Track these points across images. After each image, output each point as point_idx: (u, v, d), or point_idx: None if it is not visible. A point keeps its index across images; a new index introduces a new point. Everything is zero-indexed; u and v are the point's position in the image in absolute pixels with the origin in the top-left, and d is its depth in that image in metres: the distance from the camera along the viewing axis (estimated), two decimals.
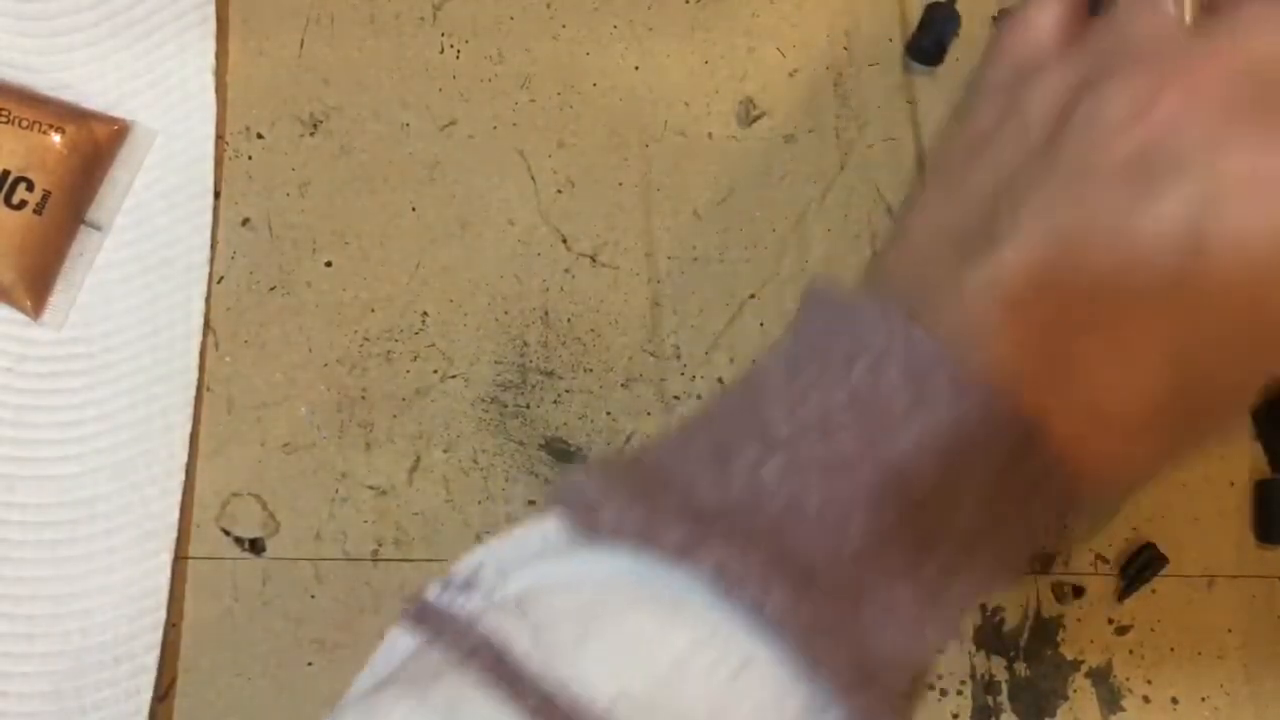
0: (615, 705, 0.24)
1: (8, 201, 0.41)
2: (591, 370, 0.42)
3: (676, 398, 0.42)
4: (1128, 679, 0.41)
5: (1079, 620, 0.41)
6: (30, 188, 0.42)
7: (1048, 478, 0.27)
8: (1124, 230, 0.26)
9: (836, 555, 0.26)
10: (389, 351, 0.42)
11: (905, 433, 0.27)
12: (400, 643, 0.28)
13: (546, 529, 0.28)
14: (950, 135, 0.32)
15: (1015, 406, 0.27)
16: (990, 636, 0.41)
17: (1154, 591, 0.41)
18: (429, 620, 0.27)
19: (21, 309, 0.42)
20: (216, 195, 0.43)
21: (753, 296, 0.43)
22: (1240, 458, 0.42)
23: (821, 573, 0.26)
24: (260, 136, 0.44)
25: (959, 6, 0.45)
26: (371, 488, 0.42)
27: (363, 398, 0.42)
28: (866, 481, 0.27)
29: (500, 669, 0.25)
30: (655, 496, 0.27)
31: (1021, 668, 0.40)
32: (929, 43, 0.44)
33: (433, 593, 0.28)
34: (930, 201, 0.31)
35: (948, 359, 0.27)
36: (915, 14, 0.46)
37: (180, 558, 0.41)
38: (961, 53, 0.45)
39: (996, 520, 0.27)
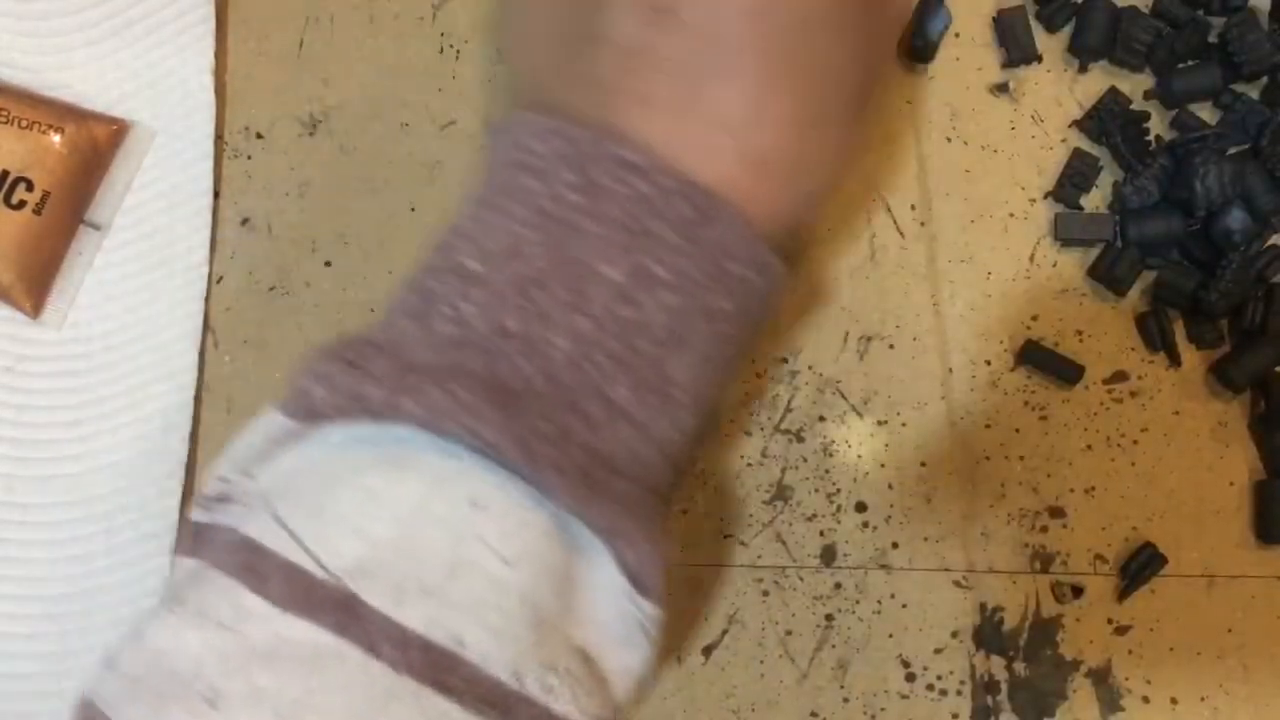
0: (359, 564, 0.25)
1: (7, 201, 0.41)
2: None
3: None
4: (1127, 679, 0.41)
5: (1078, 620, 0.41)
6: (30, 188, 0.42)
7: (731, 233, 0.28)
8: None
9: (549, 369, 0.27)
10: None
11: (587, 227, 0.27)
12: (181, 566, 0.28)
13: (270, 422, 0.28)
14: None
15: (676, 168, 0.27)
16: (990, 636, 0.41)
17: (1153, 591, 0.41)
18: (198, 540, 0.28)
19: (21, 309, 0.42)
20: (216, 195, 0.43)
21: None
22: (1240, 458, 0.42)
23: (538, 390, 0.26)
24: (260, 136, 0.44)
25: (958, 6, 0.45)
26: None
27: None
28: (561, 287, 0.27)
29: (249, 561, 0.25)
30: (365, 363, 0.27)
31: (1021, 668, 0.41)
32: (917, 40, 0.44)
33: (198, 513, 0.28)
34: (516, 18, 0.33)
35: (608, 143, 0.27)
36: None
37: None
38: (962, 51, 0.45)
39: (697, 291, 0.28)
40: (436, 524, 0.25)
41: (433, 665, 0.24)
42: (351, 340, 0.28)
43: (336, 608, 0.24)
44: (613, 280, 0.27)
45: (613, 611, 0.27)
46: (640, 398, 0.27)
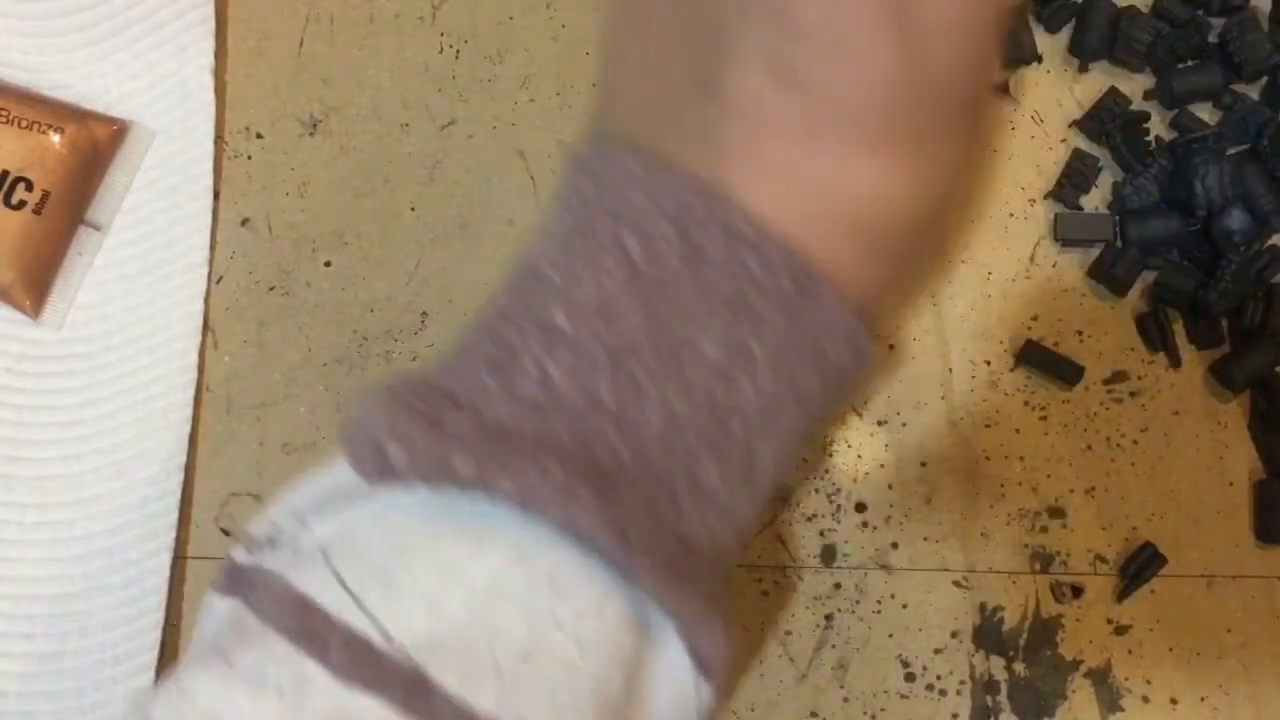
0: (430, 639, 0.23)
1: (7, 201, 0.41)
2: None
3: None
4: (1127, 679, 0.41)
5: (1078, 620, 0.41)
6: (29, 188, 0.42)
7: (836, 324, 0.27)
8: (835, 30, 0.25)
9: (640, 447, 0.25)
10: (388, 352, 0.42)
11: (688, 298, 0.25)
12: (217, 607, 0.26)
13: (339, 472, 0.26)
14: None
15: (786, 243, 0.26)
16: (989, 636, 0.41)
17: (1153, 592, 0.41)
18: (239, 581, 0.26)
19: (21, 309, 0.42)
20: (216, 195, 0.43)
21: None
22: (1240, 458, 0.42)
23: (629, 470, 0.25)
24: (260, 136, 0.44)
25: None
26: None
27: None
28: (656, 358, 0.25)
29: (307, 624, 0.24)
30: (442, 420, 0.25)
31: (1020, 668, 0.40)
32: None
33: (240, 553, 0.27)
34: (622, 60, 0.30)
35: (718, 208, 0.26)
36: None
37: (179, 558, 0.41)
38: None
39: (792, 373, 0.26)
40: (513, 602, 0.24)
41: None
42: (423, 386, 0.26)
43: (404, 684, 0.23)
44: (710, 357, 0.25)
45: (672, 700, 0.26)
46: (727, 481, 0.26)
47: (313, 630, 0.24)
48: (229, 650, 0.24)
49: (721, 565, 0.27)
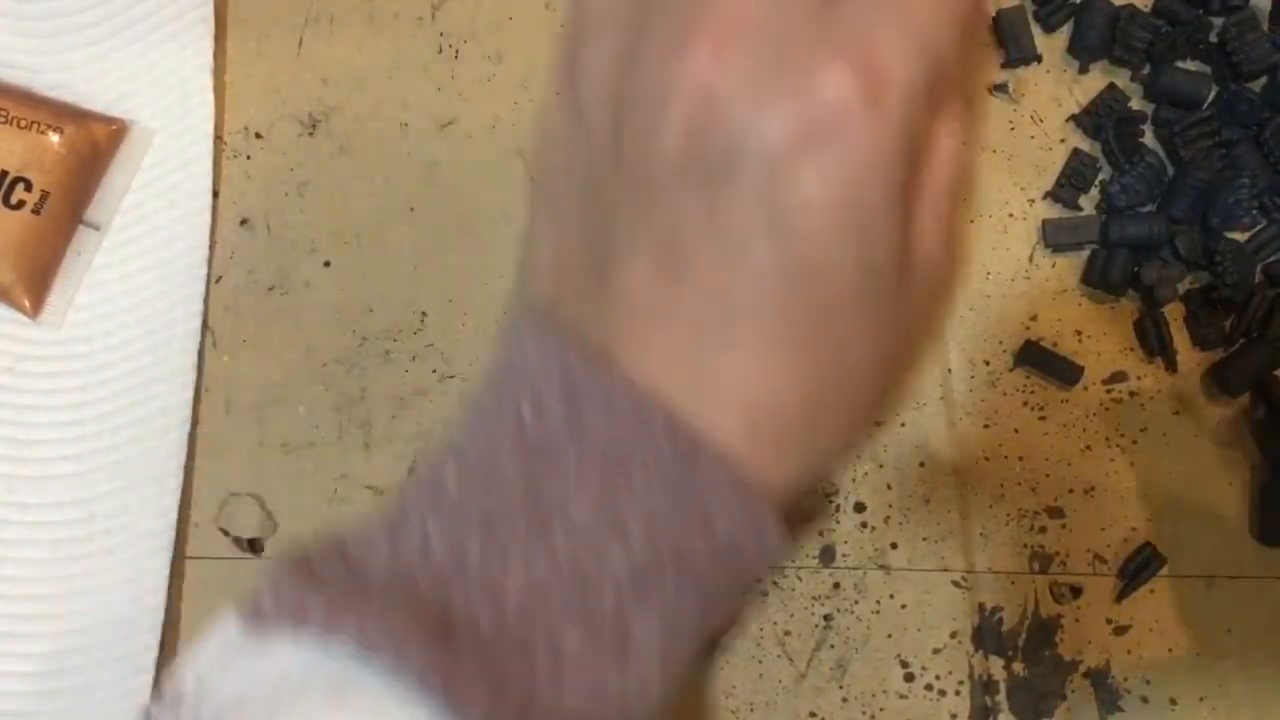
0: None
1: (6, 201, 0.41)
2: None
3: None
4: (1126, 679, 0.41)
5: (1077, 620, 0.41)
6: (29, 188, 0.42)
7: (722, 494, 0.26)
8: (714, 229, 0.25)
9: (498, 608, 0.25)
10: (387, 352, 0.43)
11: (566, 464, 0.26)
12: None
13: (226, 628, 0.27)
14: (543, 146, 0.31)
15: (671, 419, 0.25)
16: (988, 636, 0.41)
17: (1152, 592, 0.41)
18: None
19: (20, 309, 0.42)
20: (215, 195, 0.43)
21: None
22: (1239, 458, 0.42)
23: (483, 630, 0.25)
24: (259, 136, 0.44)
25: None
26: (370, 488, 0.42)
27: (361, 398, 0.42)
28: (523, 522, 0.25)
29: None
30: (322, 572, 0.26)
31: (1019, 668, 0.40)
32: None
33: (155, 709, 0.27)
34: (539, 228, 0.30)
35: (602, 382, 0.26)
36: None
37: (179, 557, 0.41)
38: None
39: (673, 544, 0.26)
40: None
41: None
42: (330, 543, 0.27)
43: None
44: (578, 522, 0.25)
45: None
46: (594, 649, 0.25)
47: None
48: None
49: None
